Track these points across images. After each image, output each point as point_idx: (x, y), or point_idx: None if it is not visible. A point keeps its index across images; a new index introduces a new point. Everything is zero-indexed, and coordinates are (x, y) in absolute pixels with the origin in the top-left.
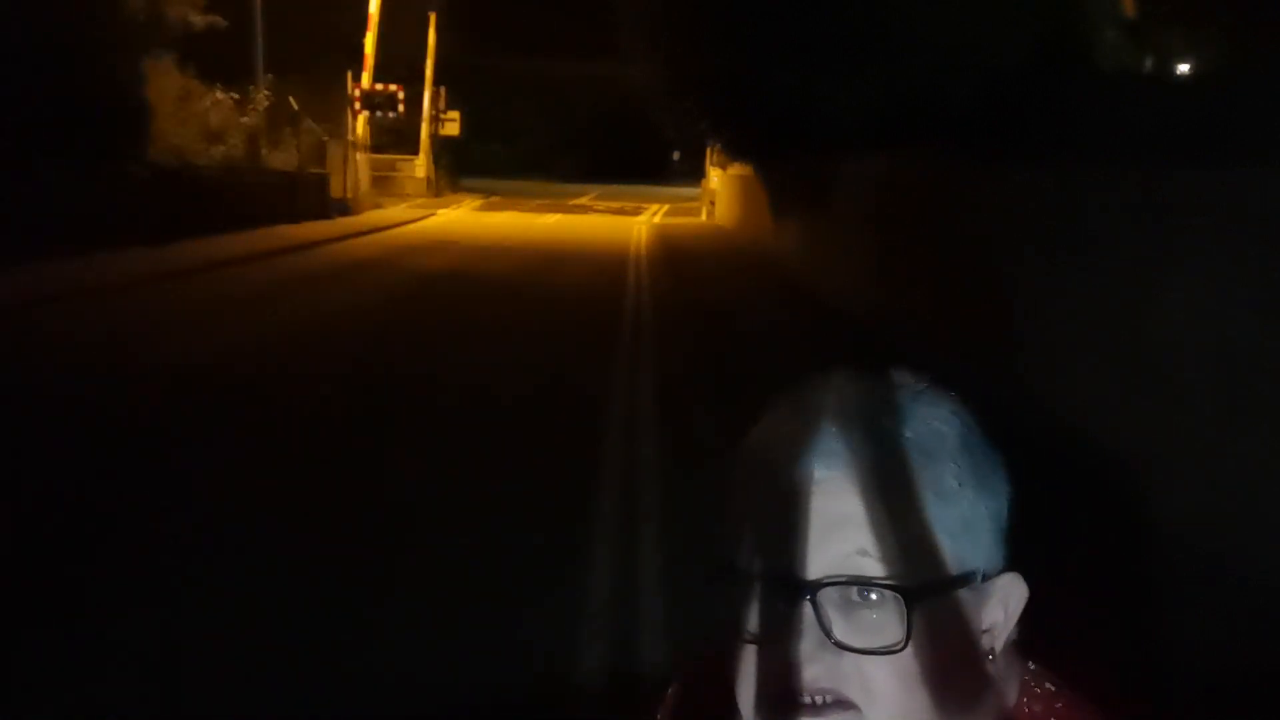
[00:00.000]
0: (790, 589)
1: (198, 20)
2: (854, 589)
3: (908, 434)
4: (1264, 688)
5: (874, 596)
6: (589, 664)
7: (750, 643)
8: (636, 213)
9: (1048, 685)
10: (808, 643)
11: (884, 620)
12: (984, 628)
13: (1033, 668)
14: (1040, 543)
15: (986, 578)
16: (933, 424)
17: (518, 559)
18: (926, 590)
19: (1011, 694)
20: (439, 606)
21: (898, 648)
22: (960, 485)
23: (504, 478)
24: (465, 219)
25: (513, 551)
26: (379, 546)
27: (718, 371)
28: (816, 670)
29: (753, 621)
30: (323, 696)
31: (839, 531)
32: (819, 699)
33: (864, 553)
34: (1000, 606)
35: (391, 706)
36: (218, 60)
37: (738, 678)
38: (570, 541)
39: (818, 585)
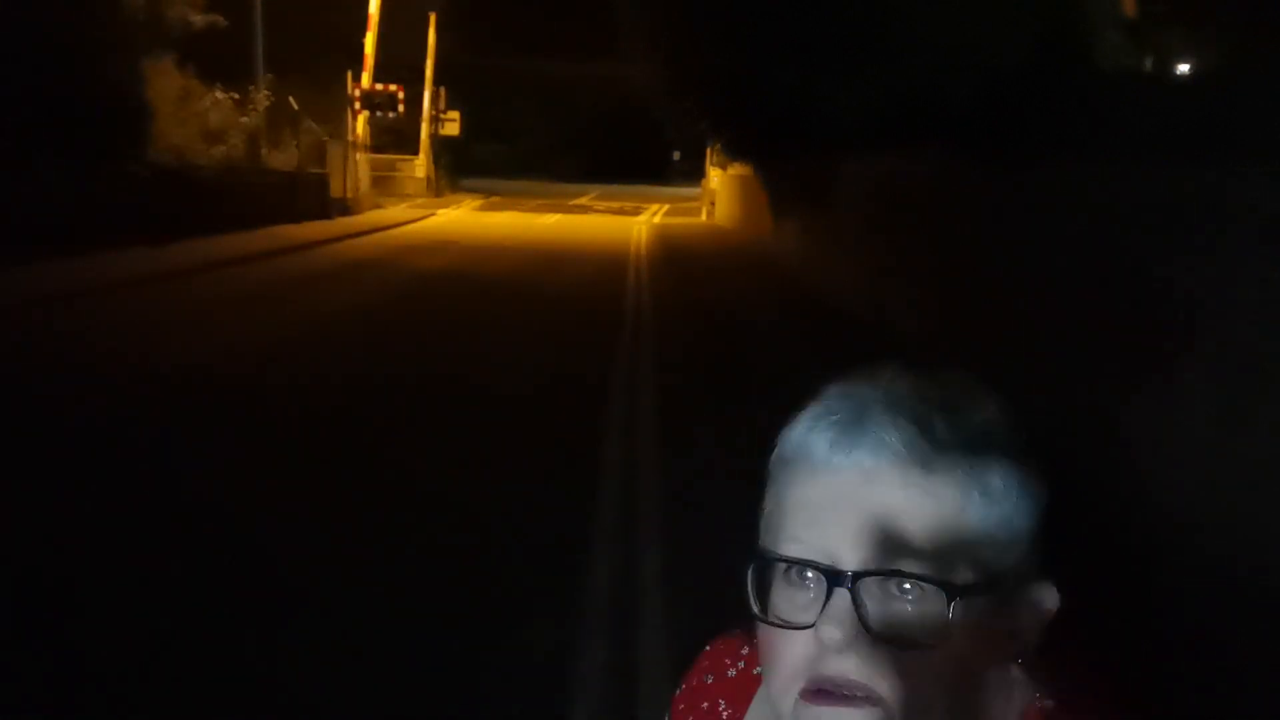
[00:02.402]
0: (830, 577)
1: (198, 20)
2: (893, 582)
3: (958, 432)
4: (1264, 688)
5: (913, 591)
6: (589, 664)
7: (784, 628)
8: (636, 213)
9: (1048, 702)
10: (843, 632)
11: (921, 615)
12: (1014, 632)
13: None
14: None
15: (1022, 581)
16: (982, 423)
17: (517, 557)
18: (967, 589)
19: (1020, 698)
20: (439, 605)
21: (933, 643)
22: (1005, 487)
23: (504, 479)
24: (465, 219)
25: (512, 550)
26: (379, 545)
27: (718, 371)
28: (849, 660)
29: (788, 607)
30: (322, 696)
31: (883, 523)
32: (847, 690)
33: (906, 547)
34: (1031, 612)
35: (391, 706)
36: (218, 60)
37: (768, 663)
38: (570, 538)
39: (858, 575)
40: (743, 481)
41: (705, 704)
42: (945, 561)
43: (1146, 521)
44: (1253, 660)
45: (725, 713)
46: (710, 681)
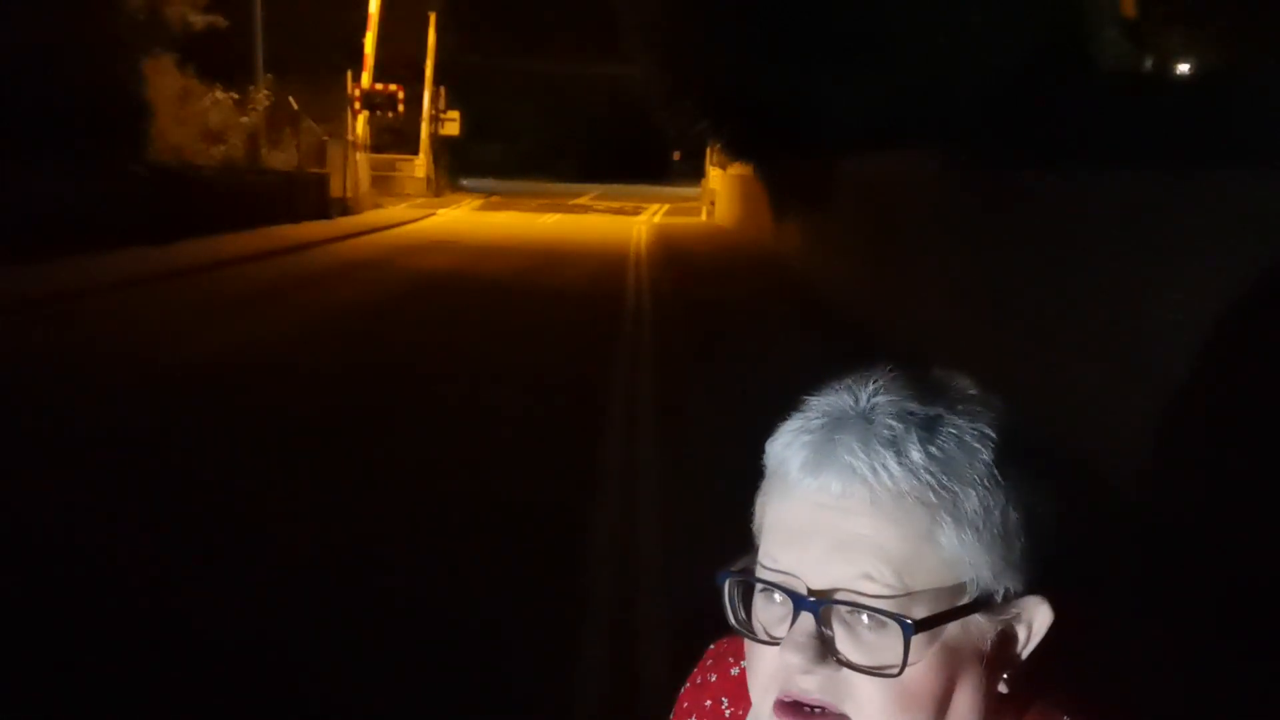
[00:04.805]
0: (796, 599)
1: (197, 20)
2: (861, 610)
3: (934, 452)
4: (1265, 691)
5: (876, 620)
6: (589, 664)
7: (758, 641)
8: (636, 212)
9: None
10: (808, 654)
11: (886, 642)
12: (996, 650)
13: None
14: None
15: (1008, 598)
16: (964, 440)
17: (519, 555)
18: (929, 621)
19: (1024, 708)
20: (440, 602)
21: (893, 672)
22: (986, 508)
23: (503, 479)
24: (465, 219)
25: (513, 548)
26: (380, 543)
27: (717, 371)
28: (815, 681)
29: (764, 621)
30: (321, 697)
31: (849, 550)
32: (815, 708)
33: (870, 576)
34: (1020, 628)
35: (390, 705)
36: (218, 60)
37: (749, 670)
38: (570, 533)
39: (821, 601)
40: (739, 481)
41: (709, 702)
42: (910, 595)
43: (1145, 522)
44: (1255, 664)
45: (728, 711)
46: (714, 680)
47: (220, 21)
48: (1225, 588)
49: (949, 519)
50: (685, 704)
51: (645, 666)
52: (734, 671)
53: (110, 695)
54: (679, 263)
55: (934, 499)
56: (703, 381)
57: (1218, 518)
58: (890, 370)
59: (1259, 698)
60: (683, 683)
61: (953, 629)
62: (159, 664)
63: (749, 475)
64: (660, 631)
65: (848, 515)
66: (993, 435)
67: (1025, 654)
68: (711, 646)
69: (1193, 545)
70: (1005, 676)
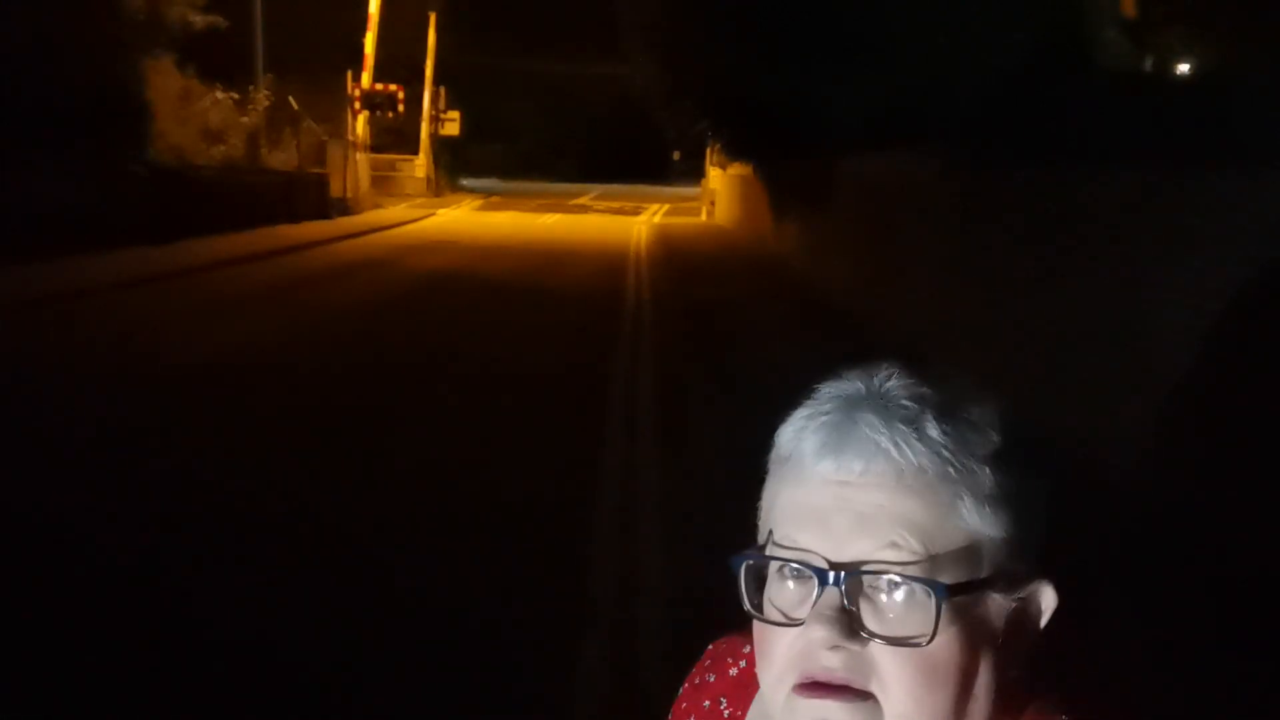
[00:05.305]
0: (820, 575)
1: (198, 20)
2: (883, 580)
3: (949, 432)
4: (1265, 691)
5: (902, 590)
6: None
7: (776, 624)
8: (636, 212)
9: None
10: (834, 628)
11: (911, 613)
12: (1010, 632)
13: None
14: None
15: (1017, 582)
16: (976, 425)
17: (515, 561)
18: (956, 589)
19: (1020, 703)
20: (440, 601)
21: (923, 641)
22: (999, 488)
23: (504, 481)
24: (465, 219)
25: (511, 555)
26: (378, 545)
27: (717, 369)
28: (840, 658)
29: (781, 604)
30: (321, 697)
31: (873, 523)
32: (838, 684)
33: (895, 544)
34: (1028, 612)
35: (390, 706)
36: (218, 60)
37: (762, 658)
38: (568, 546)
39: (848, 572)
40: (740, 477)
41: (707, 702)
42: (934, 561)
43: (1144, 523)
44: (1255, 664)
45: (726, 711)
46: (713, 680)
47: (220, 21)
48: (1225, 587)
49: (969, 494)
50: (684, 704)
51: (645, 666)
52: (733, 672)
53: (110, 695)
54: (679, 263)
55: (954, 474)
56: (703, 381)
57: (1217, 516)
58: (894, 364)
59: (1259, 698)
60: (682, 683)
61: (973, 607)
62: (159, 664)
63: (750, 474)
64: (660, 631)
65: (870, 490)
66: (1001, 422)
67: (1033, 639)
68: (710, 647)
69: (1192, 544)
70: (1013, 662)
